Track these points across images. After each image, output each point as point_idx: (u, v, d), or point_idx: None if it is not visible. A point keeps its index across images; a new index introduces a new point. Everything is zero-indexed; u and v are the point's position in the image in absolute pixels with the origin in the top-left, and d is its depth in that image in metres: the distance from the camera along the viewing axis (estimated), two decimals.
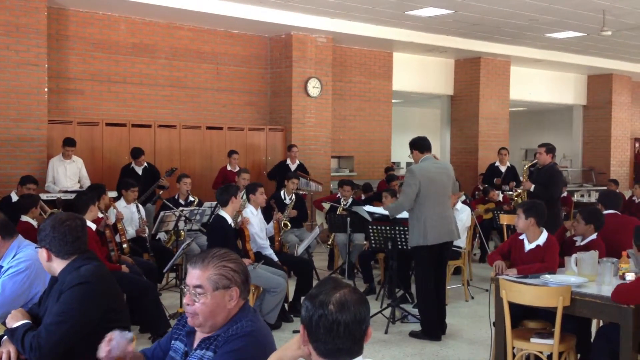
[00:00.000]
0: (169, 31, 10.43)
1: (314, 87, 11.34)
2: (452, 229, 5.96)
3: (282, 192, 8.49)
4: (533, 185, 7.43)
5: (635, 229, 4.33)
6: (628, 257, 4.64)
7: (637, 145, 17.97)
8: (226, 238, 5.59)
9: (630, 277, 4.37)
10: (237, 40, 11.15)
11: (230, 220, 5.80)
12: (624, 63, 15.48)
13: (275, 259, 6.45)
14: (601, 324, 4.72)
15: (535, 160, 7.72)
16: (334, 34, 11.32)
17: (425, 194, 5.75)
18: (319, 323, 1.82)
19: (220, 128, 10.77)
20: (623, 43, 12.94)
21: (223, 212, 5.82)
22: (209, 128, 10.63)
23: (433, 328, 5.87)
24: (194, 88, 10.75)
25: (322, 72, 11.49)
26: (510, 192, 10.35)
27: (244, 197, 6.77)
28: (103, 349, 2.44)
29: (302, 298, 1.89)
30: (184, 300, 2.29)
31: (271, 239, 6.87)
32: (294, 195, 8.43)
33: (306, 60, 11.26)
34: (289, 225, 7.93)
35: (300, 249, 7.18)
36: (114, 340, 2.45)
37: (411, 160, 6.20)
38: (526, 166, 7.94)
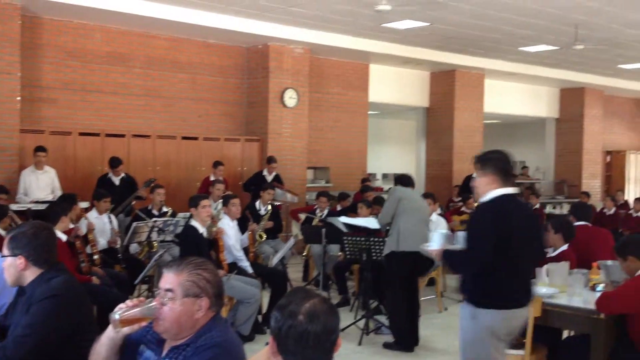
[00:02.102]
0: (145, 40, 10.37)
1: (290, 98, 11.35)
2: (425, 240, 6.00)
3: (257, 203, 8.46)
4: None
5: (623, 239, 4.38)
6: (599, 268, 4.72)
7: (609, 158, 18.28)
8: (199, 248, 5.55)
9: (600, 288, 4.44)
10: (213, 50, 11.13)
11: (201, 230, 5.76)
12: (596, 77, 15.74)
13: (250, 270, 6.42)
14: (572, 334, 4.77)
15: None
16: (311, 45, 11.36)
17: (403, 210, 5.98)
18: (288, 333, 1.81)
19: (196, 138, 10.71)
20: (595, 57, 13.17)
21: (193, 222, 5.79)
22: (184, 138, 10.57)
23: (406, 339, 5.88)
24: (170, 98, 10.69)
25: (299, 83, 11.51)
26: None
27: (217, 207, 6.74)
28: (128, 304, 2.27)
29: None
30: (153, 302, 2.26)
31: (245, 250, 6.83)
32: (269, 206, 8.40)
33: (283, 70, 11.27)
34: (264, 236, 7.90)
35: (274, 260, 7.15)
36: (143, 308, 2.26)
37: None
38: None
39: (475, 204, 7.08)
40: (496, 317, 3.55)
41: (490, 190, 3.63)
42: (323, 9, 9.47)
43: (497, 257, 3.50)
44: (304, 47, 11.42)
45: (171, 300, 2.24)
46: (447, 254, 3.75)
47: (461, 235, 3.73)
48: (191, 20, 9.70)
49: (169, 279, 2.27)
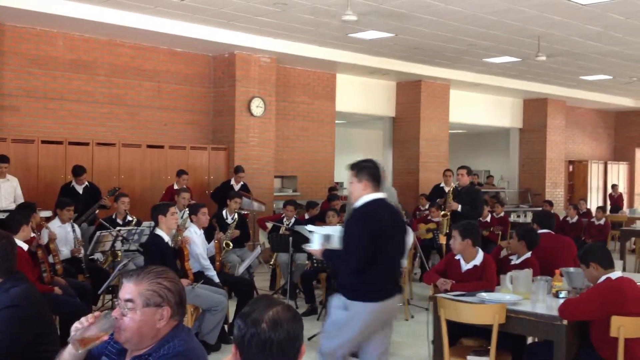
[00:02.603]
0: (109, 48, 10.26)
1: (257, 107, 11.33)
2: None
3: (224, 212, 8.41)
4: (460, 206, 7.80)
5: (586, 247, 4.45)
6: (561, 275, 4.79)
7: (571, 167, 18.65)
8: (163, 257, 5.49)
9: (563, 294, 4.51)
10: (179, 58, 11.06)
11: (166, 239, 5.70)
12: (558, 88, 16.07)
13: (217, 280, 6.36)
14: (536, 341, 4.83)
15: (458, 182, 8.14)
16: (277, 54, 11.37)
17: None
18: (251, 342, 1.80)
19: (162, 147, 10.62)
20: (557, 68, 13.45)
21: (158, 231, 5.72)
22: (149, 147, 10.46)
23: None
24: (134, 106, 10.58)
25: (266, 92, 11.50)
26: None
27: (184, 216, 6.68)
28: (83, 323, 2.21)
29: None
30: (112, 313, 2.22)
31: (212, 259, 6.78)
32: (236, 214, 8.35)
33: (249, 79, 11.25)
34: (231, 245, 7.84)
35: (240, 269, 7.11)
36: (101, 322, 2.21)
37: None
38: (450, 188, 8.25)
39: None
40: (369, 309, 3.91)
41: (364, 195, 4.02)
42: (289, 19, 9.49)
43: (370, 255, 3.92)
44: (271, 56, 11.43)
45: (131, 310, 2.20)
46: (327, 253, 4.15)
47: (337, 235, 4.15)
48: (157, 28, 9.63)
49: (128, 289, 2.23)
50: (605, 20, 9.34)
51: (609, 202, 17.33)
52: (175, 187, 9.59)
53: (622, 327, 3.87)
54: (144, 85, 10.68)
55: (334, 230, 6.75)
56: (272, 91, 11.65)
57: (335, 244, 4.13)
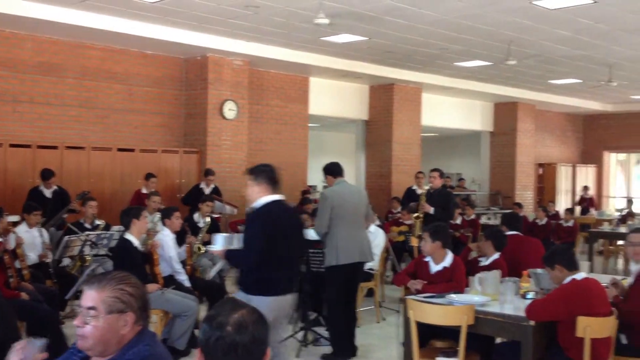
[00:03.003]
0: (79, 50, 10.14)
1: (230, 110, 11.29)
2: (364, 250, 6.06)
3: (195, 216, 8.36)
4: (432, 208, 7.86)
5: (550, 250, 4.52)
6: (529, 276, 4.86)
7: (541, 170, 18.92)
8: (132, 262, 5.44)
9: (531, 295, 4.57)
10: (150, 61, 10.98)
11: (136, 243, 5.65)
12: (528, 92, 16.30)
13: (188, 284, 6.32)
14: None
15: (430, 184, 8.20)
16: (250, 57, 11.35)
17: (337, 216, 5.86)
18: (216, 345, 1.79)
19: (132, 150, 10.52)
20: (527, 73, 13.63)
21: (128, 235, 5.67)
22: (120, 150, 10.36)
23: (344, 350, 5.90)
24: (105, 109, 10.47)
25: (239, 95, 11.47)
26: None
27: (155, 219, 6.63)
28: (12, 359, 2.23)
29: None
30: (74, 322, 2.19)
31: (183, 263, 6.73)
32: (208, 218, 8.30)
33: (222, 82, 11.21)
34: (203, 249, 7.79)
35: (211, 273, 7.07)
36: (26, 350, 2.23)
37: (326, 184, 6.30)
38: (423, 191, 8.31)
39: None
40: (266, 302, 4.10)
41: (261, 197, 4.30)
42: (262, 22, 9.49)
43: (267, 252, 4.20)
44: (244, 59, 11.40)
45: (94, 318, 2.17)
46: (228, 253, 4.49)
47: (238, 236, 4.50)
48: (127, 30, 9.54)
49: (90, 297, 2.20)
50: (574, 25, 9.50)
51: (578, 207, 17.56)
52: (144, 190, 9.51)
53: (588, 327, 3.94)
54: (115, 88, 10.58)
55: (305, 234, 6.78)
56: (245, 94, 11.62)
57: (236, 244, 4.48)
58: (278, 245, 4.24)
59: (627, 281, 4.82)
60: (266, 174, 4.34)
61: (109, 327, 2.17)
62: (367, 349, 6.28)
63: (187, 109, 11.40)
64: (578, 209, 16.95)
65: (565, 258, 4.25)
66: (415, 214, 8.28)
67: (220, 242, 4.51)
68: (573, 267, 4.23)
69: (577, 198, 17.67)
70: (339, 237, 5.85)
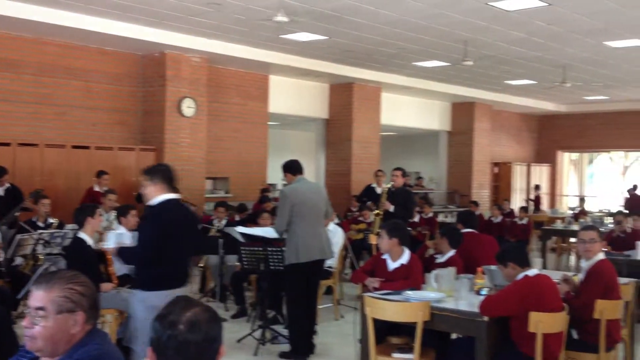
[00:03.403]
0: (36, 46, 9.91)
1: (188, 107, 11.18)
2: (323, 248, 6.07)
3: None
4: (393, 206, 7.94)
5: (502, 248, 4.61)
6: (483, 273, 4.94)
7: (496, 169, 19.26)
8: (86, 261, 5.34)
9: (485, 292, 4.65)
10: (108, 57, 10.79)
11: (89, 242, 5.56)
12: (484, 92, 16.57)
13: None
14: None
15: (392, 183, 8.28)
16: (209, 54, 11.26)
17: (297, 214, 5.86)
18: (168, 344, 1.77)
19: (87, 147, 10.33)
20: (483, 73, 13.86)
21: (82, 234, 5.57)
22: (74, 147, 10.16)
23: (302, 347, 5.91)
24: (62, 105, 10.26)
25: (197, 92, 11.36)
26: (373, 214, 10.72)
27: (110, 218, 6.53)
28: None
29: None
30: (23, 323, 2.15)
31: None
32: None
33: (180, 79, 11.10)
34: None
35: None
36: None
37: (286, 182, 6.28)
38: (385, 189, 8.36)
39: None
40: (160, 297, 4.09)
41: (157, 196, 4.37)
42: (221, 19, 9.42)
43: (161, 250, 4.30)
44: (202, 56, 11.30)
45: (43, 318, 2.13)
46: (120, 251, 4.64)
47: (130, 234, 4.64)
48: (86, 26, 9.36)
49: (38, 297, 2.15)
50: (528, 27, 9.70)
51: (531, 204, 17.93)
52: (96, 188, 9.36)
53: (540, 322, 4.03)
54: (73, 85, 10.37)
55: (264, 232, 6.79)
56: (204, 91, 11.52)
57: (129, 242, 4.59)
58: (171, 243, 4.34)
59: (578, 277, 4.95)
60: (162, 173, 4.42)
61: (59, 328, 2.14)
62: (326, 347, 6.30)
63: (144, 106, 11.25)
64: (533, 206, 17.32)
65: (517, 255, 4.35)
66: (376, 211, 8.35)
67: (112, 240, 4.72)
68: (525, 264, 4.33)
69: (531, 196, 18.00)
70: (299, 235, 5.85)
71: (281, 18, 8.19)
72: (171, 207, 4.38)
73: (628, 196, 16.82)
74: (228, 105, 12.54)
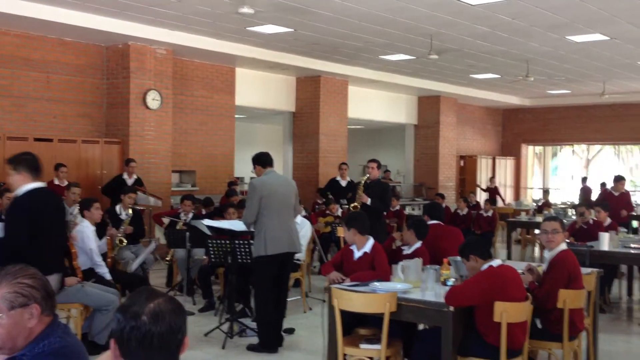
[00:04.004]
0: None
1: (153, 100, 11.04)
2: (293, 240, 6.05)
3: (117, 207, 8.14)
4: (369, 199, 7.87)
5: (464, 242, 4.65)
6: (449, 264, 4.98)
7: (462, 162, 19.47)
8: None
9: (450, 282, 4.69)
10: (70, 48, 10.58)
11: None
12: (450, 86, 16.72)
13: (109, 277, 6.16)
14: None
15: (367, 175, 8.19)
16: (174, 46, 11.12)
17: (266, 206, 5.84)
18: (130, 336, 1.74)
19: (51, 140, 10.13)
20: (449, 67, 13.97)
21: None
22: (37, 140, 9.95)
23: (271, 340, 5.90)
24: (21, 97, 10.03)
25: (162, 85, 11.22)
26: (347, 205, 10.72)
27: (74, 211, 6.42)
28: None
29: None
30: None
31: (104, 256, 6.55)
32: (130, 210, 8.10)
33: (145, 71, 10.94)
34: (125, 241, 7.60)
35: (134, 266, 6.92)
36: None
37: (255, 175, 6.24)
38: (362, 181, 8.27)
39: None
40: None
41: (23, 185, 4.41)
42: (186, 10, 9.31)
43: (30, 238, 4.35)
44: (167, 48, 11.17)
45: None
46: None
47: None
48: (45, 16, 9.16)
49: None
50: (492, 21, 9.80)
51: (484, 195, 18.04)
52: (56, 182, 9.19)
53: (505, 312, 4.08)
54: (32, 76, 10.15)
55: (231, 224, 6.75)
56: (169, 84, 11.39)
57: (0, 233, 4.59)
58: (40, 231, 4.38)
59: (542, 268, 5.03)
60: (26, 162, 4.43)
61: (15, 324, 2.10)
62: (294, 339, 6.30)
63: (108, 99, 11.07)
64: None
65: (478, 248, 4.40)
66: (353, 204, 8.31)
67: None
68: (487, 255, 4.38)
69: (483, 187, 18.15)
70: (268, 228, 5.82)
71: (246, 10, 8.13)
72: (38, 196, 4.41)
73: (581, 186, 17.40)
74: (194, 98, 12.43)
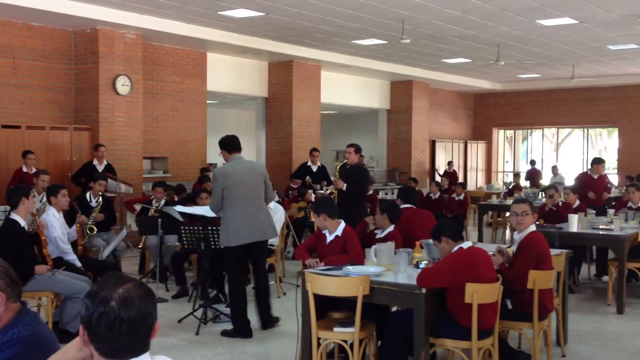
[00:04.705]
0: None
1: (123, 85, 10.88)
2: (262, 229, 5.96)
3: (88, 195, 8.04)
4: (345, 184, 7.79)
5: (436, 225, 4.68)
6: (421, 247, 5.03)
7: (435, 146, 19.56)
8: (19, 243, 5.17)
9: (423, 265, 4.73)
10: (36, 33, 10.37)
11: (23, 224, 5.37)
12: (422, 70, 16.77)
13: (79, 264, 6.09)
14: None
15: (345, 160, 8.08)
16: (143, 31, 10.96)
17: (229, 196, 5.76)
18: (99, 321, 1.73)
19: (18, 127, 9.95)
20: (421, 51, 14.01)
21: (15, 215, 5.38)
22: (4, 127, 9.77)
23: (244, 326, 5.90)
24: None
25: (132, 70, 11.06)
26: (322, 191, 10.74)
27: (43, 199, 6.33)
28: None
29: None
30: None
31: (74, 244, 6.48)
32: (100, 197, 8.01)
33: (114, 56, 10.77)
34: (95, 229, 7.52)
35: (105, 253, 6.85)
36: None
37: (223, 159, 6.15)
38: (338, 166, 8.18)
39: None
40: None
41: None
42: None
43: None
44: (137, 32, 11.00)
45: None
46: None
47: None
48: (11, 0, 8.95)
49: None
50: (463, 5, 9.83)
51: (440, 178, 18.16)
52: (24, 169, 9.05)
53: (476, 293, 4.13)
54: None
55: (204, 210, 6.71)
56: (139, 69, 11.23)
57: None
58: None
59: (512, 249, 5.09)
60: None
61: None
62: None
63: (77, 84, 10.88)
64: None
65: (450, 230, 4.45)
66: (329, 190, 8.26)
67: None
68: (458, 237, 4.43)
69: (440, 172, 18.28)
70: (231, 218, 5.76)
71: None
72: None
73: (530, 169, 17.97)
74: (165, 83, 12.28)
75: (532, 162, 18.17)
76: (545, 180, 17.60)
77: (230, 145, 5.94)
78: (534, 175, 17.51)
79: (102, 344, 1.75)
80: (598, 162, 10.31)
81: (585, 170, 14.08)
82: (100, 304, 1.74)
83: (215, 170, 6.00)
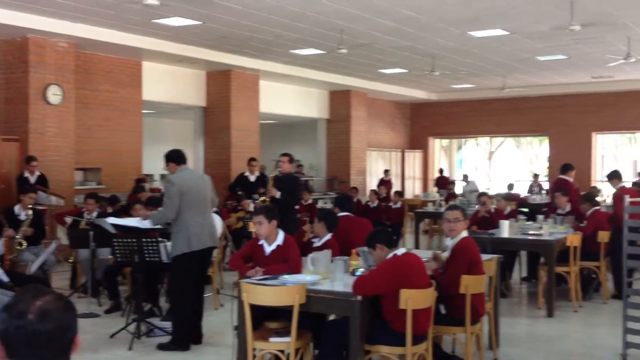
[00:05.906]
0: None
1: (54, 95, 10.57)
2: (214, 235, 6.11)
3: (16, 208, 7.75)
4: (279, 192, 7.89)
5: (370, 233, 4.73)
6: (358, 255, 5.07)
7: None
8: None
9: (359, 272, 4.77)
10: None
11: None
12: (360, 80, 16.96)
13: (6, 279, 5.86)
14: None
15: (279, 169, 8.19)
16: (76, 39, 10.69)
17: (186, 202, 5.77)
18: (16, 335, 1.66)
19: None
20: (358, 62, 14.17)
21: None
22: None
23: (185, 338, 5.80)
24: None
25: (64, 79, 10.77)
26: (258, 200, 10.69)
27: None
28: None
29: None
30: None
31: (1, 258, 6.23)
32: (30, 211, 7.73)
33: (45, 65, 10.46)
34: (24, 243, 7.25)
35: (33, 267, 6.61)
36: None
37: (166, 172, 6.13)
38: (272, 175, 8.28)
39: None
40: None
41: None
42: (88, 1, 8.98)
43: None
44: (69, 41, 10.72)
45: None
46: None
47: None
48: None
49: None
50: (398, 16, 10.00)
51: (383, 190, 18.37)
52: None
53: (410, 299, 4.18)
54: None
55: (137, 222, 6.57)
56: (71, 78, 10.94)
57: None
58: None
59: (445, 255, 5.19)
60: None
61: None
62: (205, 336, 6.20)
63: (6, 94, 10.52)
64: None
65: (384, 237, 4.51)
66: (263, 198, 8.30)
67: None
68: (392, 244, 4.49)
69: (377, 181, 18.51)
70: (190, 224, 5.74)
71: (151, 1, 7.93)
72: None
73: (438, 176, 19.42)
74: (98, 93, 12.00)
75: (441, 171, 19.49)
76: (458, 187, 17.71)
77: (178, 157, 6.02)
78: (441, 182, 18.42)
79: (21, 358, 1.69)
80: (570, 168, 10.09)
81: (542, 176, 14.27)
82: (16, 318, 1.66)
83: (172, 177, 5.93)
